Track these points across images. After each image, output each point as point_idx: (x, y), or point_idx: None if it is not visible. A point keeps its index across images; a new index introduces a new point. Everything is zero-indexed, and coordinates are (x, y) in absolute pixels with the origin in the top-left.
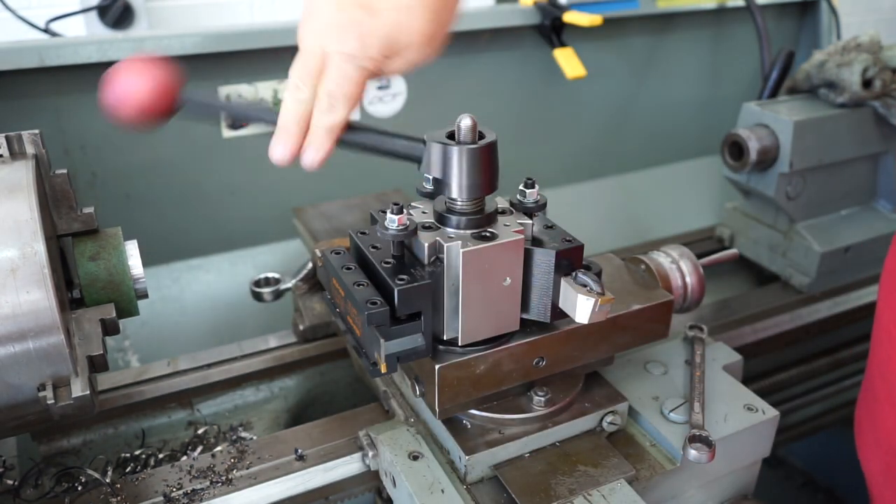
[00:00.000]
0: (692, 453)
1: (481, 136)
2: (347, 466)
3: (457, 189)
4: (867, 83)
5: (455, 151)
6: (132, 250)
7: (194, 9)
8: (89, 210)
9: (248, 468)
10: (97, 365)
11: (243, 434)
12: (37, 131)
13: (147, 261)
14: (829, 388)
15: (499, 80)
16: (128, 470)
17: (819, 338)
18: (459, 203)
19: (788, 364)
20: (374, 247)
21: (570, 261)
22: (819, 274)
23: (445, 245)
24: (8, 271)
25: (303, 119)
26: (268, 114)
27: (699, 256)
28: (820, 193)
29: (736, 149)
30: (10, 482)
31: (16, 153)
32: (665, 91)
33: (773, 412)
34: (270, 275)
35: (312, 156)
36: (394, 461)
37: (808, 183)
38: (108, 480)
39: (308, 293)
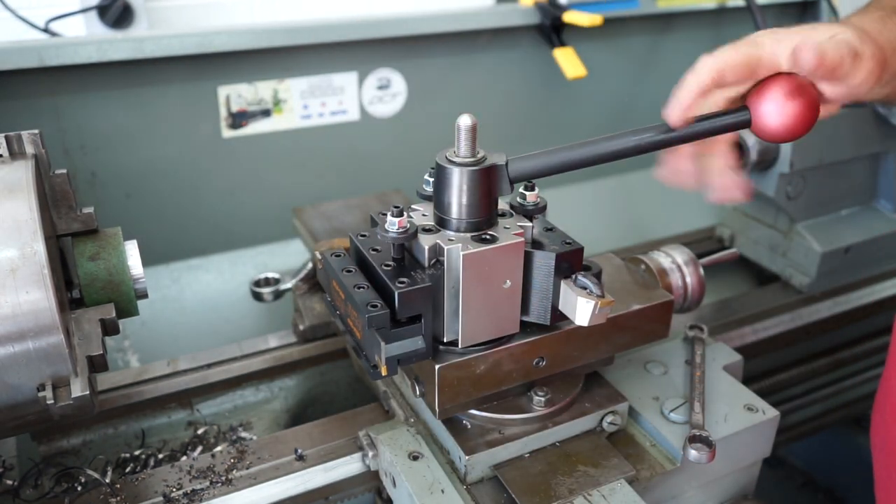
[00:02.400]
0: (692, 453)
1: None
2: (347, 466)
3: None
4: None
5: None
6: (132, 250)
7: (194, 9)
8: (89, 210)
9: (248, 468)
10: (97, 365)
11: (243, 434)
12: (36, 131)
13: (147, 261)
14: (829, 388)
15: (499, 80)
16: (127, 470)
17: (819, 338)
18: None
19: (788, 364)
20: (374, 249)
21: (570, 263)
22: (819, 274)
23: (446, 248)
24: (8, 271)
25: None
26: None
27: (699, 256)
28: (820, 193)
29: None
30: (9, 482)
31: (15, 153)
32: (665, 91)
33: (773, 412)
34: (270, 275)
35: None
36: (394, 461)
37: (808, 183)
38: (107, 480)
39: (308, 293)
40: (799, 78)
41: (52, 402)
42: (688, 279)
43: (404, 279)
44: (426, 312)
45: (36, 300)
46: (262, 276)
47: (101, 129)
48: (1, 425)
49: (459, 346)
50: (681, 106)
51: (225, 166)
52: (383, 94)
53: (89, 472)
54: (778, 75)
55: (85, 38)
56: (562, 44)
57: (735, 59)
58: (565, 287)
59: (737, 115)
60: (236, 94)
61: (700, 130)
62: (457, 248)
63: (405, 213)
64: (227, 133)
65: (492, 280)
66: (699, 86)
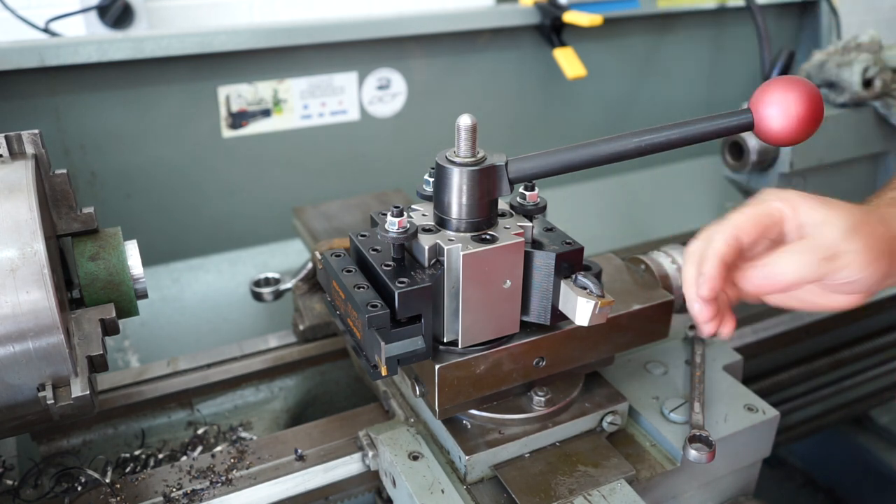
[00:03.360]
0: (692, 453)
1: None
2: (347, 466)
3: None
4: (867, 83)
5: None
6: (132, 250)
7: (194, 9)
8: (89, 210)
9: (248, 468)
10: (97, 365)
11: (243, 434)
12: (37, 131)
13: (147, 261)
14: (829, 388)
15: (499, 80)
16: (128, 470)
17: (819, 338)
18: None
19: (788, 364)
20: (374, 249)
21: (570, 263)
22: None
23: (446, 248)
24: (8, 271)
25: None
26: None
27: None
28: (820, 193)
29: (736, 149)
30: (9, 482)
31: (15, 153)
32: (665, 91)
33: (773, 412)
34: (270, 275)
35: None
36: (394, 461)
37: (808, 183)
38: (107, 480)
39: (308, 293)
40: (803, 81)
41: (52, 402)
42: None
43: (404, 279)
44: (426, 312)
45: (36, 300)
46: (262, 276)
47: (101, 129)
48: (1, 425)
49: (459, 346)
50: (710, 280)
51: (225, 166)
52: (383, 94)
53: (89, 472)
54: (781, 78)
55: (85, 38)
56: (562, 44)
57: (747, 222)
58: (565, 287)
59: (739, 117)
60: (236, 94)
61: (702, 131)
62: (457, 248)
63: (405, 213)
64: (227, 133)
65: (492, 280)
66: (720, 256)
